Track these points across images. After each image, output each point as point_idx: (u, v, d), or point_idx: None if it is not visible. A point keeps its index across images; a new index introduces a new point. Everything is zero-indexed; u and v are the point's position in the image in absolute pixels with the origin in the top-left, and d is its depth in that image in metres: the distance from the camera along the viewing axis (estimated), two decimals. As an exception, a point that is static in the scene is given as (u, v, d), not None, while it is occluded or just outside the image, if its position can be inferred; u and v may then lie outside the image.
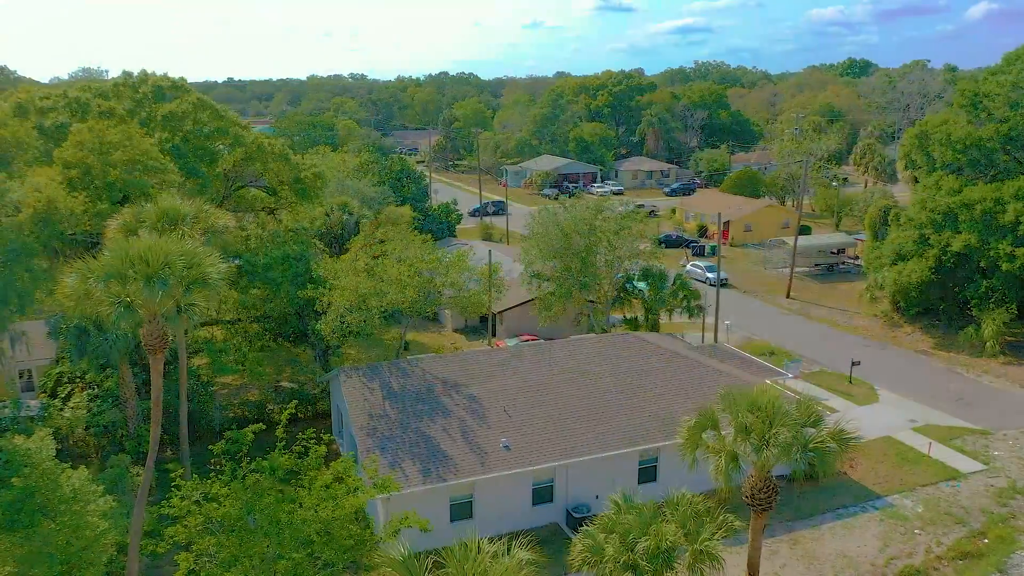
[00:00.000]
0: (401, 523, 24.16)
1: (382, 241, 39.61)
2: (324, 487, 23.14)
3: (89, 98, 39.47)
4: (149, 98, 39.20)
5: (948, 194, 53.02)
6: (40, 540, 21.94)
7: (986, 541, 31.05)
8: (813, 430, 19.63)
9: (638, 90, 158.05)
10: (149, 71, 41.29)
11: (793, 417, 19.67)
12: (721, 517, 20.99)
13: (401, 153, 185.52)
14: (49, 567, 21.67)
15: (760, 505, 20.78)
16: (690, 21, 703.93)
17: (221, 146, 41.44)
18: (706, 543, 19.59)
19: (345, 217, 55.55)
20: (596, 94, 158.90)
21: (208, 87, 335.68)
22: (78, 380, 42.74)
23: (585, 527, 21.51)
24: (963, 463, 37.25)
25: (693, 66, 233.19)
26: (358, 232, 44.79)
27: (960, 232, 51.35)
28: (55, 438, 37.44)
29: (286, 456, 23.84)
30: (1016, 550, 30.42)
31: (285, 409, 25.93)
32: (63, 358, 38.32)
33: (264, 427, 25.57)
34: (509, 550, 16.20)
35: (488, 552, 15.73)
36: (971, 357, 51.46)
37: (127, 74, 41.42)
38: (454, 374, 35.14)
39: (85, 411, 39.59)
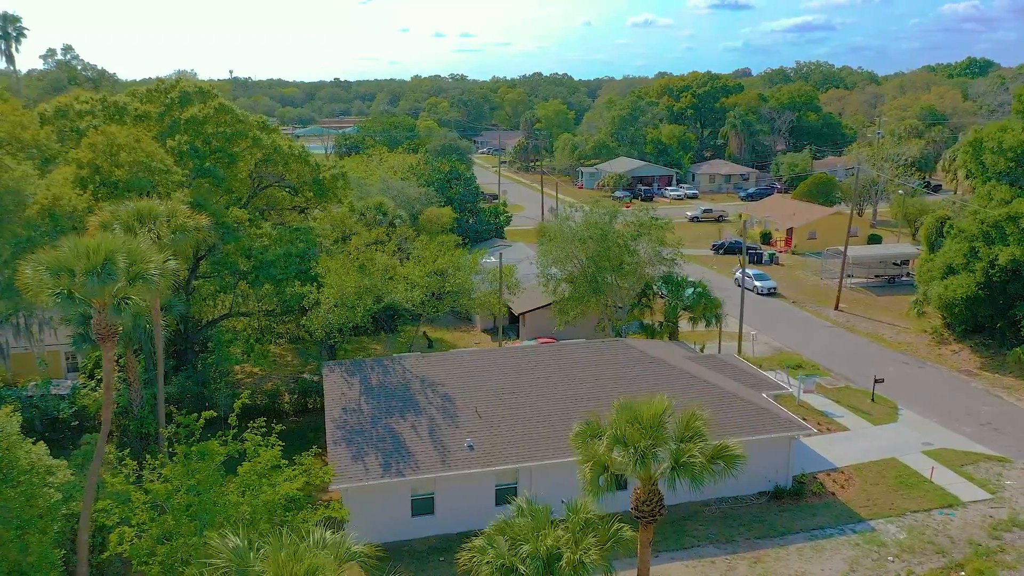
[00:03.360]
0: (323, 512, 25.45)
1: (380, 242, 40.84)
2: (253, 473, 24.62)
3: (128, 102, 42.66)
4: (176, 102, 41.85)
5: (999, 205, 49.91)
6: (1, 506, 24.24)
7: (963, 574, 29.38)
8: (687, 445, 19.34)
9: (723, 91, 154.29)
10: (182, 76, 44.05)
11: (668, 431, 19.46)
12: (614, 527, 21.04)
13: (487, 152, 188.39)
14: (5, 530, 23.93)
15: (645, 517, 20.65)
16: (809, 19, 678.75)
17: (251, 145, 43.66)
18: (582, 553, 19.66)
19: (380, 218, 57.21)
20: (679, 96, 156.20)
21: (315, 87, 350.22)
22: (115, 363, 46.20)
23: None
24: (966, 491, 35.21)
25: (794, 67, 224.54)
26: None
27: (1008, 245, 48.24)
28: (79, 417, 41.14)
29: (225, 445, 25.45)
30: (993, 586, 28.68)
31: (238, 399, 27.55)
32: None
33: (215, 414, 27.18)
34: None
35: (314, 542, 16.45)
36: (1018, 380, 48.31)
37: (160, 79, 44.40)
38: (434, 373, 35.99)
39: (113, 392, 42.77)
